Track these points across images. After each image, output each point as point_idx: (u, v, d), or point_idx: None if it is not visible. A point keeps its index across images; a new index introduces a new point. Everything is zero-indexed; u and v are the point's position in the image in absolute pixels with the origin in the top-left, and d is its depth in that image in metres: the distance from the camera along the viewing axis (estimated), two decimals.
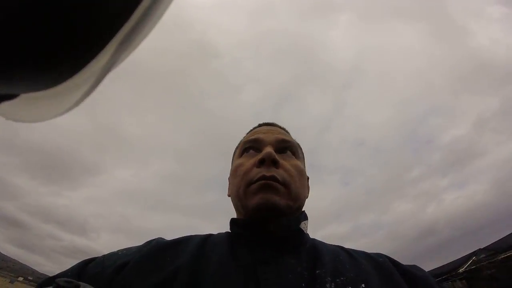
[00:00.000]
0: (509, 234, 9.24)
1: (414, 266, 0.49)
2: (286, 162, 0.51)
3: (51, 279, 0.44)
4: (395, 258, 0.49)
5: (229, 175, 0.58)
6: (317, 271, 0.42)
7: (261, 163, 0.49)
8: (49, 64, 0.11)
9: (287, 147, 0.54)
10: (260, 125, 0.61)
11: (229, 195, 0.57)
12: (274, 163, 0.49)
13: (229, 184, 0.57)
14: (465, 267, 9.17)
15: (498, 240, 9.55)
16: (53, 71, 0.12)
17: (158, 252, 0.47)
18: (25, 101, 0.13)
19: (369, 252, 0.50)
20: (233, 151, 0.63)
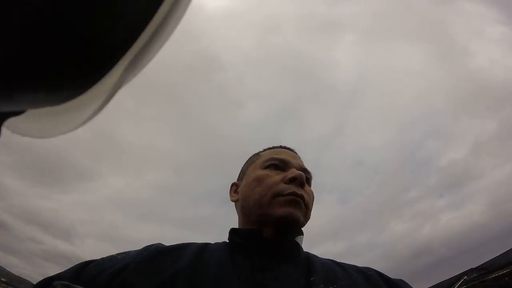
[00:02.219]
0: (501, 254, 9.07)
1: (401, 281, 0.53)
2: (306, 187, 0.56)
3: (48, 281, 0.43)
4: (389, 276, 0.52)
5: (240, 182, 0.63)
6: (312, 279, 0.45)
7: (291, 181, 0.52)
8: (59, 83, 0.11)
9: (308, 177, 0.59)
10: (281, 147, 0.65)
11: (236, 200, 0.61)
12: (302, 185, 0.53)
13: (240, 190, 0.60)
14: (456, 286, 8.93)
15: (490, 259, 9.37)
16: (63, 90, 0.12)
17: (157, 256, 0.48)
18: (32, 117, 0.13)
19: (358, 265, 0.54)
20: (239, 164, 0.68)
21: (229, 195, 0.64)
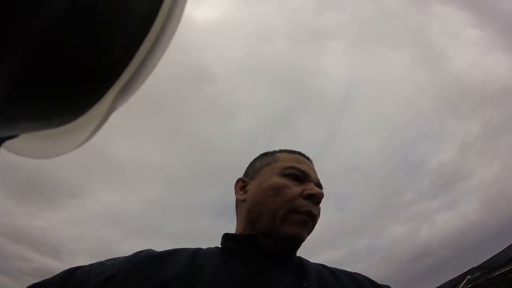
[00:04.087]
0: (500, 252, 9.22)
1: (388, 287, 0.54)
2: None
3: (34, 287, 0.42)
4: (392, 281, 0.54)
5: (249, 179, 0.59)
6: (304, 284, 0.46)
7: (309, 198, 0.51)
8: (57, 110, 0.12)
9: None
10: (300, 153, 0.61)
11: (243, 200, 0.56)
12: (318, 203, 0.52)
13: (250, 191, 0.56)
14: (461, 286, 8.97)
15: (490, 258, 9.50)
16: (59, 116, 0.12)
17: (149, 262, 0.46)
18: (27, 138, 0.14)
19: (349, 271, 0.55)
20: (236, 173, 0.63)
21: (234, 191, 0.60)
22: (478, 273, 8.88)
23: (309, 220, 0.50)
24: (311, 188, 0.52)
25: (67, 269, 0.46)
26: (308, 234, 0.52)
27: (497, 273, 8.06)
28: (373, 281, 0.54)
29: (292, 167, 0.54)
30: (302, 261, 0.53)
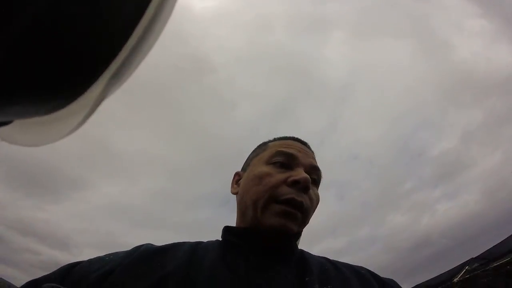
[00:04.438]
0: (499, 243, 9.30)
1: (392, 280, 0.53)
2: (312, 191, 0.50)
3: (33, 283, 0.42)
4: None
5: (243, 172, 0.58)
6: (306, 279, 0.44)
7: (294, 184, 0.47)
8: (46, 95, 0.12)
9: (317, 178, 0.53)
10: (292, 138, 0.58)
11: (235, 193, 0.56)
12: (306, 190, 0.48)
13: (241, 183, 0.55)
14: (459, 276, 9.10)
15: (489, 248, 9.59)
16: (49, 102, 0.12)
17: (148, 257, 0.46)
18: (19, 126, 0.14)
19: (352, 264, 0.53)
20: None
21: (230, 185, 0.60)
22: (476, 264, 8.99)
23: (293, 210, 0.47)
24: (297, 174, 0.48)
25: (66, 265, 0.46)
26: (300, 225, 0.49)
27: (495, 265, 8.14)
28: (376, 274, 0.52)
29: (278, 153, 0.52)
30: (304, 255, 0.51)
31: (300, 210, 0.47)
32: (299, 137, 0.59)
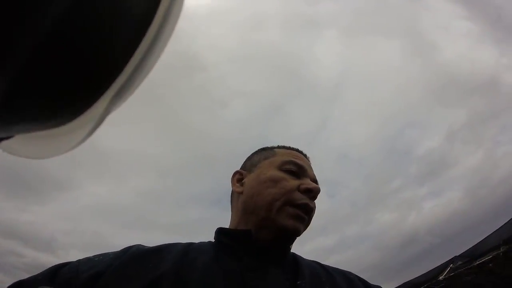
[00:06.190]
0: (481, 241, 9.58)
1: (379, 287, 0.56)
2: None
3: (19, 285, 0.41)
4: (381, 269, 0.46)
5: (246, 172, 0.59)
6: (298, 282, 0.46)
7: (306, 191, 0.52)
8: (53, 112, 0.12)
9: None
10: (297, 150, 0.63)
11: (240, 192, 0.57)
12: (314, 198, 0.53)
13: (247, 183, 0.56)
14: (444, 274, 9.32)
15: (472, 246, 9.87)
16: (56, 118, 0.12)
17: (139, 258, 0.45)
18: (23, 139, 0.14)
19: (342, 269, 0.57)
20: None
21: (231, 183, 0.61)
22: (459, 262, 9.24)
23: (305, 216, 0.51)
24: (308, 183, 0.53)
25: (54, 266, 0.45)
26: (304, 229, 0.53)
27: (477, 262, 8.39)
28: (365, 280, 0.55)
29: (290, 162, 0.56)
30: (296, 259, 0.53)
31: (309, 215, 0.52)
32: (295, 145, 0.64)
